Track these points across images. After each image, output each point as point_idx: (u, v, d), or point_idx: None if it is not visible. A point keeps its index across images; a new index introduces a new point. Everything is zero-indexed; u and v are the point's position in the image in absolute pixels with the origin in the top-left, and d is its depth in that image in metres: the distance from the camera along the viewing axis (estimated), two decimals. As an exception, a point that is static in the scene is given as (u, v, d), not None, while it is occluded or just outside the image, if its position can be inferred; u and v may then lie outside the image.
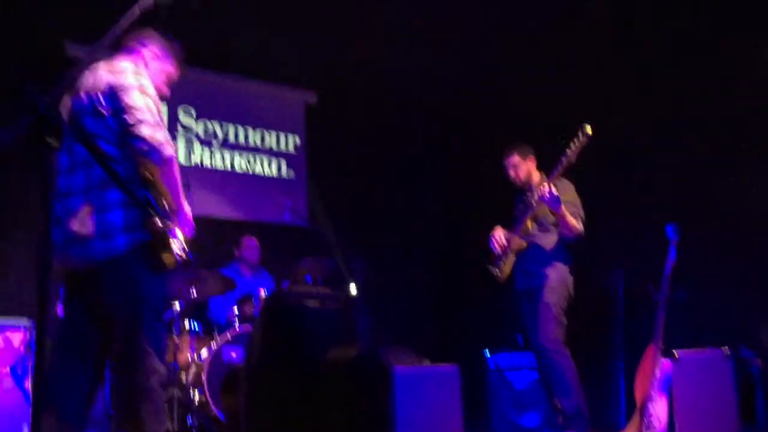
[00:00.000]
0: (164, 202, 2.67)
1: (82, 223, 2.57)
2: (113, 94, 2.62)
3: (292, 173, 7.07)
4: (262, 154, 6.96)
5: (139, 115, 2.60)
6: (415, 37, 6.20)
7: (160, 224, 2.58)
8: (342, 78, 6.94)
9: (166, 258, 2.62)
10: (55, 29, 5.67)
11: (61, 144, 2.39)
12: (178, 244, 2.71)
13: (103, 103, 2.63)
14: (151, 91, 2.72)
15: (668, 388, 3.99)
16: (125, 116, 2.60)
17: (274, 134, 7.06)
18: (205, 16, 5.72)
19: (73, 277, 2.70)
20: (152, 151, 2.59)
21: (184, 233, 2.83)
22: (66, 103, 2.72)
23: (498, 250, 4.58)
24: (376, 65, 6.68)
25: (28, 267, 5.42)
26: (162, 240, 2.59)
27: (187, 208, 2.87)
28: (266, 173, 6.96)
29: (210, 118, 6.73)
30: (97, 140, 2.61)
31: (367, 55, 6.50)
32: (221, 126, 6.77)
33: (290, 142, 7.13)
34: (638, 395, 3.99)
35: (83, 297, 2.69)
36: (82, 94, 2.69)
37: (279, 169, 7.03)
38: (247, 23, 5.94)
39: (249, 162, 6.87)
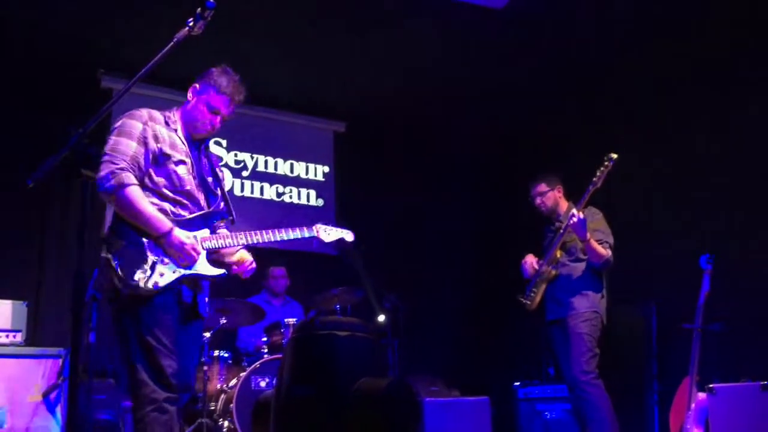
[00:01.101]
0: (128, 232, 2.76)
1: None
2: None
3: (321, 201, 7.11)
4: (291, 183, 7.02)
5: (102, 158, 2.75)
6: (443, 66, 6.23)
7: (103, 254, 2.71)
8: (371, 108, 7.00)
9: (117, 287, 2.68)
10: (90, 61, 5.81)
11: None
12: (120, 270, 2.69)
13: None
14: (135, 127, 2.82)
15: (704, 422, 3.90)
16: None
17: (303, 164, 7.12)
18: (234, 51, 5.82)
19: None
20: (98, 187, 2.70)
21: (175, 258, 2.79)
22: None
23: (530, 273, 4.55)
24: (404, 94, 6.73)
25: (62, 297, 5.50)
26: (106, 271, 2.70)
27: (180, 237, 2.78)
28: (295, 202, 7.01)
29: (240, 150, 6.82)
30: None
31: (395, 85, 6.55)
32: (251, 157, 6.85)
33: (319, 171, 7.18)
34: (673, 429, 3.91)
35: None
36: None
37: (308, 197, 7.07)
38: (276, 57, 6.03)
39: (278, 191, 6.93)
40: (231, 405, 4.59)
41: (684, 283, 4.65)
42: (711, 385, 3.82)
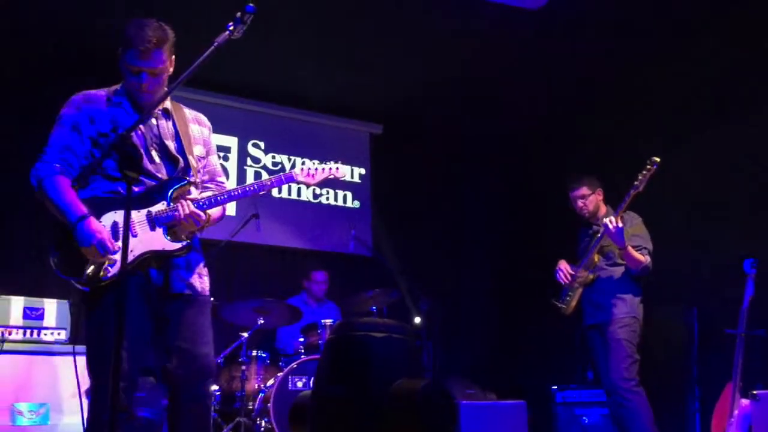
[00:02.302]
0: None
1: None
2: None
3: (357, 203, 7.14)
4: (328, 185, 7.06)
5: (41, 155, 2.67)
6: (478, 67, 6.21)
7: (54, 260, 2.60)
8: (407, 110, 7.02)
9: (78, 284, 2.59)
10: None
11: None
12: (65, 266, 2.58)
13: None
14: (61, 117, 2.69)
15: (747, 429, 3.82)
16: None
17: (331, 162, 7.13)
18: (272, 55, 5.88)
19: None
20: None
21: (84, 249, 2.55)
22: None
23: (564, 281, 4.51)
24: (440, 96, 6.73)
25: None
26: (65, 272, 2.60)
27: (91, 227, 2.53)
28: (332, 203, 7.06)
29: (278, 152, 6.88)
30: None
31: (431, 86, 6.55)
32: (289, 159, 6.92)
33: (356, 172, 7.21)
34: (716, 436, 3.84)
35: None
36: None
37: (345, 199, 7.11)
38: (313, 59, 6.07)
39: (315, 192, 6.98)
40: (268, 404, 4.65)
41: (726, 288, 4.57)
42: (754, 392, 3.74)
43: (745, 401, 3.98)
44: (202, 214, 2.69)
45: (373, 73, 6.33)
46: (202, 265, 2.84)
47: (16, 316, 4.48)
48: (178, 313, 2.70)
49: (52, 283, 5.34)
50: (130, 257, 2.57)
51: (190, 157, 2.79)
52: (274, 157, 6.87)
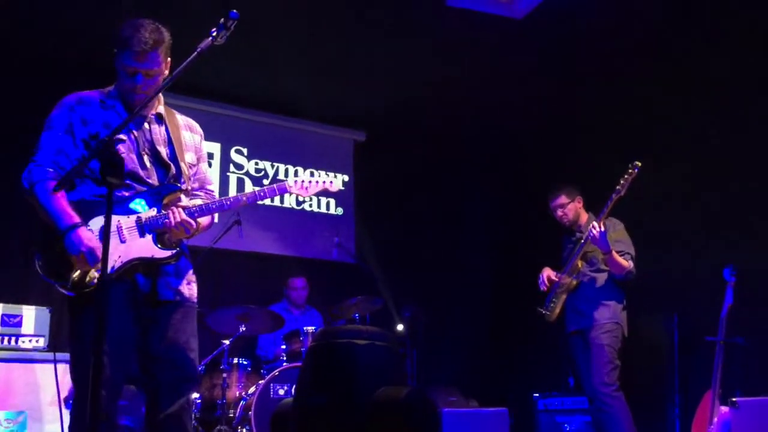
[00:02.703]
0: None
1: None
2: None
3: (340, 210, 7.13)
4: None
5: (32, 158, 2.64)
6: (462, 75, 6.24)
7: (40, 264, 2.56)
8: (391, 117, 7.03)
9: (63, 290, 2.56)
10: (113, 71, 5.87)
11: (122, 182, 2.38)
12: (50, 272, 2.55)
13: None
14: (52, 120, 2.66)
15: (727, 437, 3.85)
16: None
17: (323, 173, 7.10)
18: (255, 61, 5.87)
19: None
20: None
21: (73, 258, 2.52)
22: None
23: (545, 287, 4.54)
24: (424, 103, 6.75)
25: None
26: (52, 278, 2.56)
27: (80, 235, 2.51)
28: (315, 210, 7.04)
29: (261, 158, 6.87)
30: None
31: (415, 94, 6.57)
32: (272, 165, 6.90)
33: (339, 179, 7.17)
34: (695, 443, 3.86)
35: None
36: None
37: (328, 206, 7.10)
38: (297, 66, 6.07)
39: (298, 199, 6.97)
40: (249, 412, 4.61)
41: (706, 295, 4.61)
42: (734, 399, 3.77)
43: (724, 408, 4.01)
44: (192, 222, 2.66)
45: (356, 81, 6.34)
46: (191, 272, 2.82)
47: (-7, 323, 4.44)
48: (163, 319, 2.67)
49: (30, 290, 5.31)
50: (118, 263, 2.57)
51: (181, 164, 2.76)
52: (257, 164, 6.85)
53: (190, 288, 2.79)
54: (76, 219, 2.53)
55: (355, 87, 6.47)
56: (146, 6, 4.95)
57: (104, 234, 2.17)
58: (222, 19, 2.38)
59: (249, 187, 6.72)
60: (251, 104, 6.70)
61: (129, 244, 2.61)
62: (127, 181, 2.65)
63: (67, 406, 4.42)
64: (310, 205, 7.02)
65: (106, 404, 2.48)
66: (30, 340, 4.52)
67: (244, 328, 4.99)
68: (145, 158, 2.70)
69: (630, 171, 4.17)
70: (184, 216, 2.64)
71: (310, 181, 3.00)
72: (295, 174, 6.95)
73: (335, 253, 5.97)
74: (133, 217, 2.64)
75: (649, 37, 5.55)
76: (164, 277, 2.70)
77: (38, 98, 5.69)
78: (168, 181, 2.74)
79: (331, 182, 3.05)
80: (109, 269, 2.49)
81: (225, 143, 6.69)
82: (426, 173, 7.42)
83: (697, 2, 5.10)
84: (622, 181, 4.17)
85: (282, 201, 6.88)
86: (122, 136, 2.63)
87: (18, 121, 5.60)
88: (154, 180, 2.71)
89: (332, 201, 7.12)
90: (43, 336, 4.58)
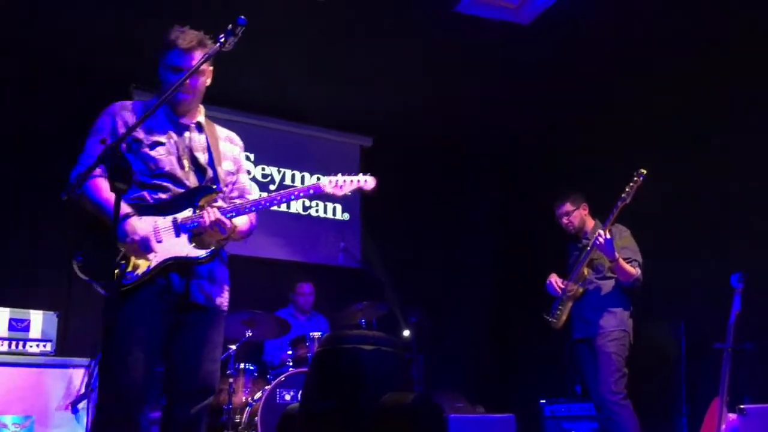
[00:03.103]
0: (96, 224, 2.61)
1: None
2: None
3: (347, 216, 7.14)
4: (317, 197, 7.05)
5: (77, 164, 2.67)
6: (469, 81, 6.25)
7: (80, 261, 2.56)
8: (397, 122, 7.04)
9: (100, 287, 2.57)
10: (123, 76, 5.90)
11: (129, 187, 2.38)
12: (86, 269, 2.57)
13: None
14: (101, 123, 2.73)
15: (735, 444, 3.83)
16: None
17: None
18: (262, 67, 5.89)
19: None
20: (63, 195, 2.48)
21: (126, 246, 2.58)
22: None
23: (557, 292, 4.52)
24: (430, 109, 6.76)
25: (92, 307, 5.56)
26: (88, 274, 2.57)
27: (129, 225, 2.57)
28: (321, 215, 7.05)
29: (268, 164, 6.88)
30: None
31: (422, 99, 6.58)
32: (279, 171, 6.92)
33: (372, 178, 7.18)
34: (703, 450, 3.84)
35: None
36: None
37: (334, 211, 7.11)
38: (304, 72, 6.09)
39: (305, 205, 6.98)
40: (256, 418, 4.61)
41: (714, 302, 4.59)
42: (742, 406, 3.75)
43: (732, 416, 3.99)
44: (227, 221, 2.68)
45: (363, 86, 6.36)
46: (226, 278, 2.85)
47: (1, 328, 4.45)
48: (190, 327, 2.68)
49: (38, 295, 5.32)
50: (154, 263, 2.60)
51: (219, 169, 2.82)
52: (263, 169, 6.87)
53: (221, 296, 2.80)
54: (128, 209, 2.59)
55: (361, 92, 6.48)
56: (151, 13, 5.01)
57: (111, 235, 2.19)
58: (230, 26, 2.40)
59: (256, 192, 6.73)
60: (258, 110, 6.72)
61: (164, 244, 2.64)
62: (166, 182, 2.70)
63: (73, 411, 4.44)
64: (317, 211, 7.03)
65: (132, 406, 2.49)
66: (37, 345, 4.54)
67: (250, 333, 4.99)
68: (185, 161, 2.76)
69: (635, 179, 4.15)
70: (218, 215, 2.66)
71: (345, 180, 3.01)
72: (302, 180, 6.97)
73: (341, 258, 5.97)
74: (170, 218, 2.67)
75: (655, 42, 5.54)
76: (198, 279, 2.72)
77: (40, 103, 5.80)
78: (205, 184, 2.78)
79: (366, 180, 3.09)
80: (145, 269, 2.57)
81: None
82: (432, 179, 7.41)
83: (703, 8, 5.09)
84: (627, 189, 4.16)
85: (288, 206, 6.89)
86: (162, 139, 2.72)
87: (22, 130, 5.67)
88: (191, 182, 2.76)
89: (338, 206, 7.12)
90: (50, 340, 4.60)
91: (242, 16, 2.37)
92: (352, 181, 3.03)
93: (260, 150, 6.84)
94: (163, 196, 2.69)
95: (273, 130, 6.94)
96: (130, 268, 2.56)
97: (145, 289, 2.57)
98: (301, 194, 2.88)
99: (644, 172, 4.14)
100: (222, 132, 2.96)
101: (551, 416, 5.14)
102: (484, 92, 6.41)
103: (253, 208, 2.80)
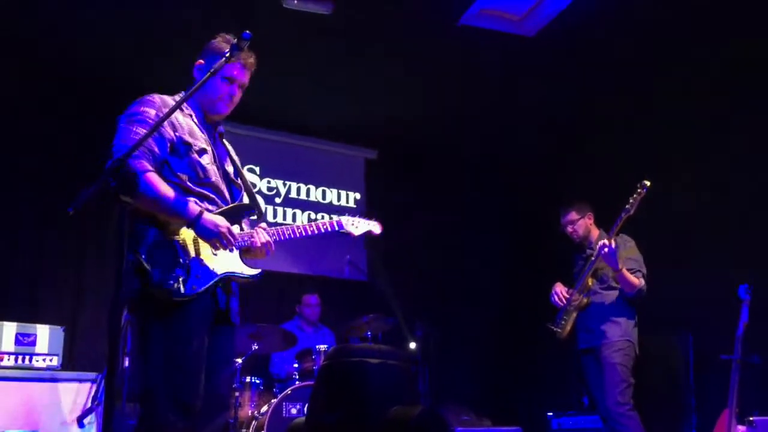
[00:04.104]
0: (147, 231, 2.46)
1: None
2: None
3: (352, 229, 7.13)
4: (323, 210, 7.07)
5: (112, 149, 2.49)
6: (474, 93, 6.26)
7: (131, 256, 2.38)
8: (402, 135, 7.05)
9: (153, 294, 2.41)
10: (130, 91, 5.92)
11: (134, 200, 2.32)
12: (172, 278, 2.45)
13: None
14: (147, 113, 2.55)
15: (745, 456, 3.80)
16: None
17: (335, 191, 7.18)
18: (267, 80, 5.90)
19: None
20: (117, 185, 2.23)
21: (211, 243, 2.55)
22: None
23: (560, 303, 4.51)
24: (435, 121, 6.77)
25: (99, 321, 5.58)
26: (141, 276, 2.39)
27: (209, 219, 2.53)
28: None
29: (273, 177, 6.90)
30: None
31: (427, 112, 6.60)
32: (284, 183, 6.93)
33: (351, 197, 7.22)
34: (712, 463, 3.81)
35: None
36: None
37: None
38: (309, 85, 6.11)
39: (310, 217, 6.99)
40: (262, 431, 4.60)
41: (722, 314, 4.56)
42: (751, 418, 3.73)
43: (741, 428, 3.96)
44: (273, 245, 2.74)
45: (368, 99, 6.37)
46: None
47: (8, 342, 4.45)
48: (219, 344, 2.62)
49: (44, 309, 5.34)
50: (217, 275, 2.57)
51: (246, 182, 2.83)
52: (269, 182, 6.88)
53: (239, 313, 2.79)
54: (198, 203, 2.55)
55: (366, 105, 6.50)
56: (155, 36, 5.04)
57: (117, 249, 2.17)
58: (235, 40, 2.41)
59: (261, 205, 6.72)
60: (263, 123, 6.74)
61: (220, 258, 2.61)
62: (212, 193, 2.66)
63: (80, 425, 4.43)
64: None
65: (195, 420, 2.45)
66: (44, 359, 4.53)
67: (256, 347, 4.99)
68: (219, 173, 2.72)
69: (639, 190, 4.14)
70: (269, 238, 2.71)
71: (360, 222, 3.25)
72: (307, 193, 6.99)
73: (347, 271, 5.97)
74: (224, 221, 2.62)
75: (662, 53, 5.55)
76: (234, 296, 2.72)
77: (46, 117, 5.82)
78: (240, 199, 2.78)
79: (376, 225, 3.33)
80: (206, 281, 2.51)
81: (237, 162, 6.74)
82: (437, 191, 7.41)
83: (710, 19, 5.10)
84: (631, 200, 4.14)
85: (294, 218, 6.90)
86: (206, 147, 2.68)
87: (28, 147, 5.70)
88: (227, 195, 2.73)
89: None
90: (56, 355, 4.59)
91: (247, 31, 2.38)
92: (367, 223, 3.27)
93: (266, 163, 6.86)
94: (210, 207, 2.61)
95: (278, 143, 6.96)
96: (189, 279, 2.47)
97: (197, 302, 2.48)
98: (329, 228, 3.05)
99: (648, 183, 4.13)
100: (229, 145, 2.95)
101: (558, 429, 5.11)
102: (489, 104, 6.42)
103: (291, 236, 2.85)
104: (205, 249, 2.57)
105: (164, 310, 2.44)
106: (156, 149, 2.53)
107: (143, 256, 2.41)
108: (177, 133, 2.59)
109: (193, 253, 2.52)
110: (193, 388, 2.44)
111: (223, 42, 2.72)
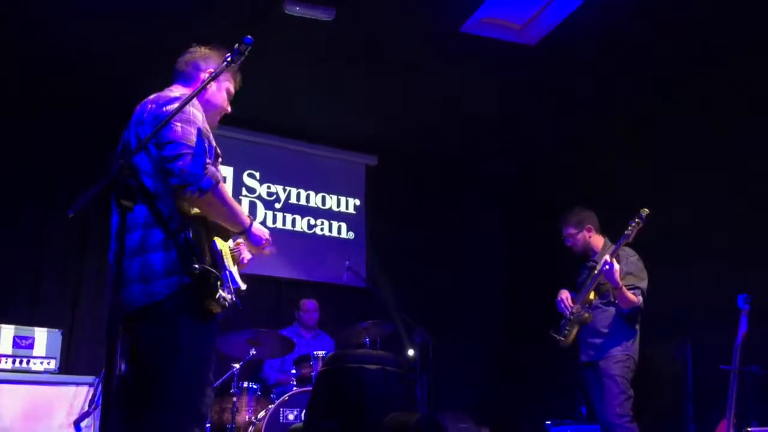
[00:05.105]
0: (210, 240, 2.43)
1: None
2: (156, 126, 2.32)
3: (352, 234, 7.14)
4: (322, 216, 7.07)
5: (177, 150, 2.38)
6: (475, 101, 6.27)
7: (197, 267, 2.31)
8: (403, 142, 7.06)
9: (208, 305, 2.37)
10: (131, 94, 5.93)
11: (135, 205, 2.25)
12: (226, 288, 2.44)
13: (148, 136, 2.39)
14: (198, 117, 2.50)
15: (743, 467, 3.79)
16: (163, 151, 2.40)
17: (335, 197, 7.18)
18: (268, 86, 5.92)
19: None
20: (187, 186, 2.31)
21: (257, 250, 2.64)
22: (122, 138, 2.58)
23: (566, 311, 4.49)
24: (436, 128, 6.78)
25: (97, 324, 5.57)
26: (203, 285, 2.34)
27: (256, 227, 2.62)
28: (326, 234, 7.05)
29: (273, 182, 6.90)
30: (142, 176, 2.42)
31: (427, 119, 6.61)
32: (284, 189, 6.94)
33: (351, 204, 7.23)
34: (711, 473, 3.80)
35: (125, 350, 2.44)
36: (131, 127, 2.54)
37: (339, 230, 7.11)
38: (309, 91, 6.12)
39: (310, 223, 6.98)
40: (259, 437, 4.58)
41: (720, 324, 4.56)
42: (749, 429, 3.72)
43: (740, 438, 3.95)
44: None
45: (368, 105, 6.38)
46: None
47: (5, 345, 4.45)
48: None
49: (42, 313, 5.33)
50: (242, 288, 2.60)
51: None
52: (269, 188, 6.88)
53: None
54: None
55: (367, 111, 6.51)
56: (151, 37, 5.06)
57: (115, 262, 2.10)
58: (237, 44, 2.41)
59: (261, 210, 6.76)
60: (264, 128, 6.75)
61: (236, 270, 2.65)
62: None
63: (77, 429, 4.42)
64: (321, 229, 7.03)
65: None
66: (41, 362, 4.53)
67: (254, 352, 4.97)
68: None
69: (637, 220, 4.12)
70: (249, 255, 2.74)
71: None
72: (307, 198, 6.99)
73: (346, 277, 5.95)
74: (231, 243, 2.66)
75: (663, 65, 5.56)
76: None
77: (45, 121, 5.83)
78: None
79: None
80: (233, 292, 2.51)
81: (237, 167, 6.74)
82: (437, 198, 7.42)
83: (711, 33, 5.11)
84: (629, 228, 4.14)
85: (294, 224, 6.90)
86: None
87: (27, 148, 5.71)
88: None
89: (343, 225, 7.13)
90: (54, 358, 4.59)
91: (249, 36, 2.38)
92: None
93: (266, 168, 6.87)
94: None
95: (278, 149, 6.96)
96: (228, 289, 2.46)
97: (222, 313, 2.48)
98: None
99: (646, 212, 4.12)
100: None
101: (557, 437, 5.09)
102: (490, 112, 6.43)
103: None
104: (229, 260, 2.61)
105: (203, 319, 2.40)
106: (208, 155, 2.50)
107: (212, 269, 2.36)
108: (213, 144, 2.62)
109: (228, 264, 2.57)
110: (210, 399, 2.42)
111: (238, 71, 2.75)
